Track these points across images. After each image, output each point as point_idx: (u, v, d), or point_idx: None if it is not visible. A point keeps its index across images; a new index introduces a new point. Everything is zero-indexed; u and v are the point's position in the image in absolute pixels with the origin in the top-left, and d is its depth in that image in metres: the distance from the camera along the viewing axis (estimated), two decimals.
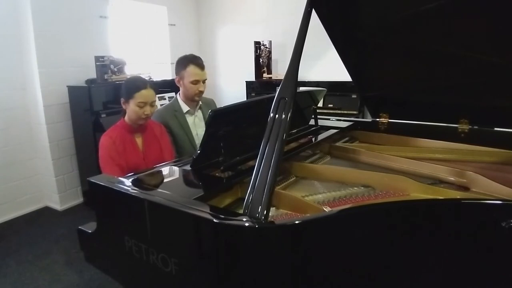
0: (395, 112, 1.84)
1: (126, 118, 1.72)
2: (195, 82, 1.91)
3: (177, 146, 1.92)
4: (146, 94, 1.65)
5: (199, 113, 2.04)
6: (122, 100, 1.69)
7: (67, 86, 3.15)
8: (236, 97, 4.35)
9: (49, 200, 3.38)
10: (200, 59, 1.96)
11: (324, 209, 1.10)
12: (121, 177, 1.26)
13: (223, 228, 0.90)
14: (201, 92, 1.97)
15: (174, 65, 1.99)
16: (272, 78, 4.10)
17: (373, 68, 1.71)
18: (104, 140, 1.66)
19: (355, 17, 1.43)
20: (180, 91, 2.00)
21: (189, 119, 1.99)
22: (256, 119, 1.29)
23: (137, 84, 1.67)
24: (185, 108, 1.98)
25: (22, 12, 2.94)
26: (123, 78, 3.27)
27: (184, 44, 4.51)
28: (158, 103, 3.47)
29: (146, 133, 1.77)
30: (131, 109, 1.66)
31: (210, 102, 2.15)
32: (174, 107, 1.98)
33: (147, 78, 3.35)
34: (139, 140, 1.75)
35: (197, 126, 2.01)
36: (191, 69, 1.90)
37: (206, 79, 1.98)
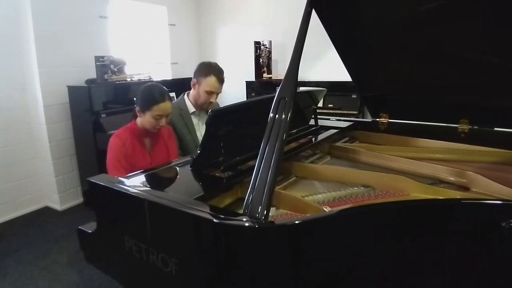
0: (395, 112, 1.84)
1: (138, 122, 1.70)
2: (210, 93, 1.92)
3: (182, 145, 1.93)
4: (164, 107, 1.63)
5: (204, 115, 2.06)
6: (137, 108, 1.67)
7: (67, 86, 3.15)
8: (236, 97, 4.34)
9: (49, 200, 3.38)
10: (223, 73, 1.95)
11: (324, 209, 1.10)
12: (121, 177, 1.26)
13: (223, 228, 0.90)
14: (211, 103, 1.97)
15: (196, 67, 1.97)
16: (272, 78, 4.10)
17: (373, 68, 1.71)
18: (113, 142, 1.65)
19: (355, 17, 1.43)
20: (190, 93, 2.00)
21: (194, 119, 2.01)
22: (256, 119, 1.29)
23: (155, 96, 1.63)
24: (191, 108, 1.99)
25: (22, 12, 2.94)
26: (123, 78, 3.28)
27: (184, 44, 4.50)
28: None
29: (155, 138, 1.77)
30: (146, 119, 1.65)
31: (214, 105, 2.15)
32: (180, 106, 1.98)
33: (144, 77, 3.35)
34: (148, 144, 1.75)
35: (201, 127, 2.02)
36: (211, 80, 1.90)
37: (220, 93, 1.98)
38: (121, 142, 1.64)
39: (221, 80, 1.93)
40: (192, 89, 1.99)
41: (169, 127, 1.87)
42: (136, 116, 1.72)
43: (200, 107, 1.99)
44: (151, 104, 1.61)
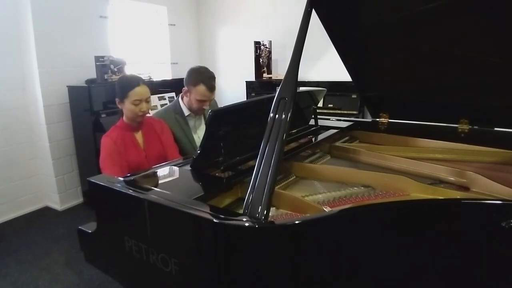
0: (395, 112, 1.84)
1: (124, 117, 1.72)
2: (201, 102, 1.89)
3: (179, 149, 1.92)
4: (140, 91, 1.65)
5: (200, 116, 2.04)
6: (117, 100, 1.69)
7: (67, 86, 3.15)
8: (236, 97, 4.35)
9: (49, 200, 3.38)
10: (213, 78, 1.89)
11: (324, 209, 1.10)
12: (121, 177, 1.26)
13: (223, 228, 0.90)
14: (204, 110, 1.95)
15: (186, 73, 1.92)
16: (272, 78, 4.10)
17: (373, 68, 1.71)
18: (104, 141, 1.66)
19: (355, 17, 1.43)
20: (184, 98, 1.97)
21: (190, 121, 1.99)
22: (256, 119, 1.28)
23: (130, 82, 1.66)
24: (186, 111, 1.97)
25: (22, 12, 2.94)
26: None
27: (184, 44, 4.51)
28: (158, 103, 3.49)
29: (146, 130, 1.77)
30: (127, 108, 1.66)
31: (212, 104, 2.14)
32: (175, 110, 1.97)
33: (143, 77, 3.36)
34: (139, 138, 1.75)
35: (198, 128, 2.01)
36: (201, 89, 1.85)
37: (212, 99, 1.95)
38: (111, 141, 1.65)
39: (211, 88, 1.86)
40: (185, 96, 1.96)
41: (160, 120, 1.86)
42: (123, 114, 1.73)
43: (195, 112, 1.97)
44: (128, 90, 1.64)
